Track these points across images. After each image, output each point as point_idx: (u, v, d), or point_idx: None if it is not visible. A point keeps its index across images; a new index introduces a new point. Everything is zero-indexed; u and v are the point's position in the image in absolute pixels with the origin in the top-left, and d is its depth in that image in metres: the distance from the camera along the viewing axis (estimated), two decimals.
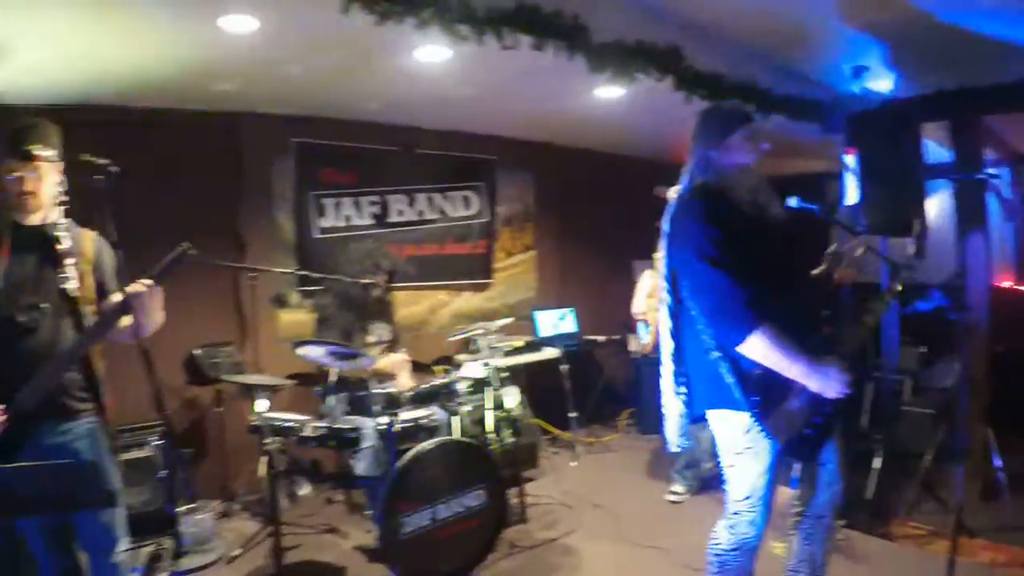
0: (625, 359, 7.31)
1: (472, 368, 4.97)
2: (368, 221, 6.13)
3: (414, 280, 6.23)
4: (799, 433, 2.67)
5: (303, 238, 5.79)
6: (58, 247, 2.68)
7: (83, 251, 2.78)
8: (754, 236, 2.68)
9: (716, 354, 2.66)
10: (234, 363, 5.12)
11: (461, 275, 6.80)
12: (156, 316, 2.72)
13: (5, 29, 3.49)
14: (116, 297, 2.83)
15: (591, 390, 7.02)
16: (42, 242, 2.68)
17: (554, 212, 7.51)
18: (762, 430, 2.63)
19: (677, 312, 2.86)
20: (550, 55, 4.12)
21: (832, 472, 2.88)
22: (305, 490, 5.01)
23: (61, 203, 2.71)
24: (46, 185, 2.67)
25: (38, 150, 2.62)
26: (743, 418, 2.66)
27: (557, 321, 6.65)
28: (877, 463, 4.63)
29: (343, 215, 5.99)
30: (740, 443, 2.70)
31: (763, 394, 2.62)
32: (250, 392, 5.00)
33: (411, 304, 6.39)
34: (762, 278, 2.58)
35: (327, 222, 5.90)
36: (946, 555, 3.46)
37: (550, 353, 6.41)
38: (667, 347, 2.91)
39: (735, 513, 2.78)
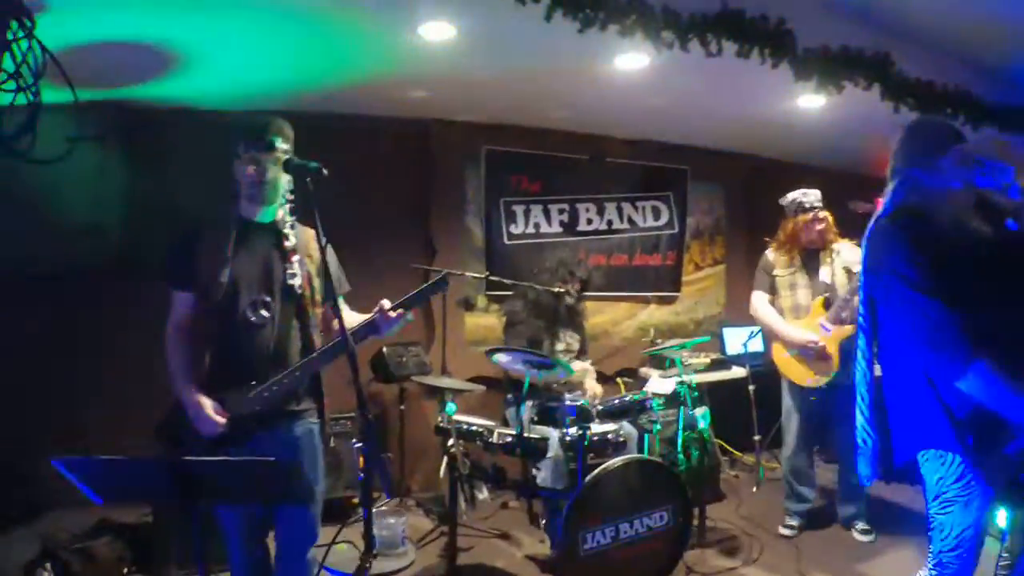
0: None
1: (661, 383, 4.84)
2: (557, 229, 6.14)
3: (601, 290, 6.21)
4: (1014, 479, 2.40)
5: (492, 244, 5.87)
6: (286, 244, 2.73)
7: (309, 251, 2.82)
8: (966, 262, 2.41)
9: (926, 392, 2.45)
10: (420, 363, 5.23)
11: (648, 287, 6.69)
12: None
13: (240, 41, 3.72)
14: (339, 303, 2.91)
15: (775, 413, 6.69)
16: (269, 239, 2.74)
17: (745, 225, 7.25)
18: (975, 476, 2.40)
19: (873, 343, 2.66)
20: (754, 62, 3.96)
21: None
22: (483, 494, 5.05)
23: (288, 201, 2.76)
24: (281, 180, 2.70)
25: (279, 143, 2.66)
26: (954, 462, 2.43)
27: (746, 339, 6.38)
28: None
29: (532, 222, 6.03)
30: (951, 490, 2.47)
31: (977, 435, 2.38)
32: (433, 393, 5.12)
33: (596, 314, 6.34)
34: (980, 307, 2.32)
35: (516, 229, 5.95)
36: None
37: (737, 372, 6.18)
38: (862, 378, 2.71)
39: (938, 564, 2.55)
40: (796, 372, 4.68)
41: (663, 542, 3.89)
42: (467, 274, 5.25)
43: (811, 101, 4.86)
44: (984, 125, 5.11)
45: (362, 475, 2.34)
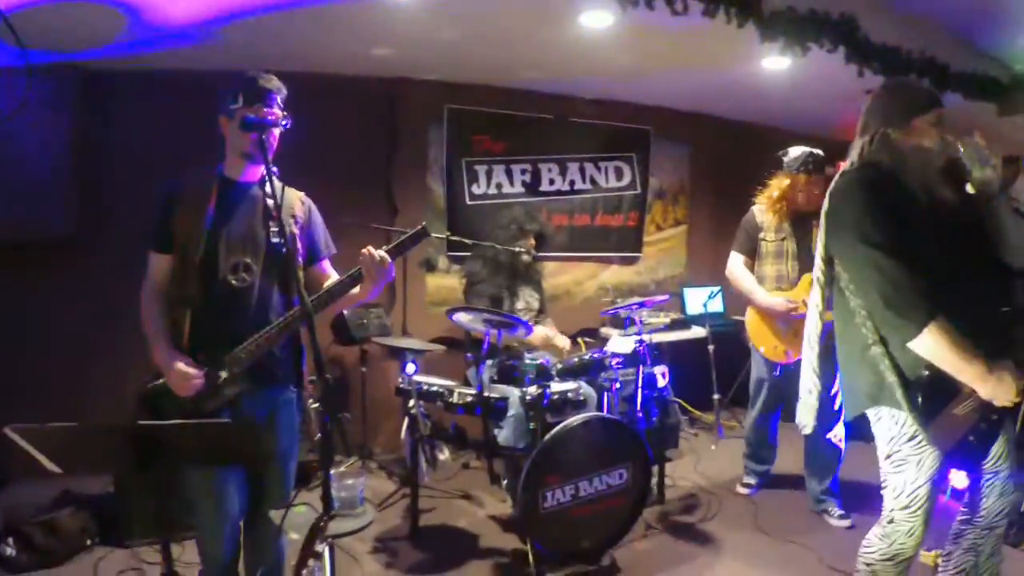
0: None
1: (621, 343, 4.86)
2: (519, 189, 6.10)
3: (564, 249, 6.22)
4: (962, 440, 2.44)
5: (454, 204, 5.83)
6: (269, 203, 2.62)
7: (294, 211, 2.74)
8: (928, 224, 2.44)
9: (878, 349, 2.47)
10: (381, 325, 5.20)
11: (610, 247, 6.70)
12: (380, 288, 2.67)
13: None
14: (325, 264, 2.86)
15: (735, 372, 6.78)
16: (252, 199, 2.66)
17: (708, 187, 7.28)
18: (924, 437, 2.44)
19: (830, 299, 2.68)
20: (720, 22, 3.93)
21: (1005, 481, 2.64)
22: (444, 455, 5.07)
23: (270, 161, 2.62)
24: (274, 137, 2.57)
25: (279, 99, 2.58)
26: (905, 421, 2.47)
27: (706, 299, 6.44)
28: None
29: (494, 182, 5.99)
30: (904, 448, 2.51)
31: (926, 395, 2.41)
32: (395, 354, 5.10)
33: (558, 274, 6.35)
34: (936, 269, 2.35)
35: (478, 189, 5.91)
36: None
37: (697, 332, 6.24)
38: (814, 329, 2.74)
39: (891, 522, 2.60)
40: (769, 345, 4.48)
41: (623, 500, 3.93)
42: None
43: (776, 63, 4.84)
44: (948, 91, 5.14)
45: (320, 434, 2.32)
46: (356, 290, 2.63)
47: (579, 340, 6.16)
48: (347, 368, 5.51)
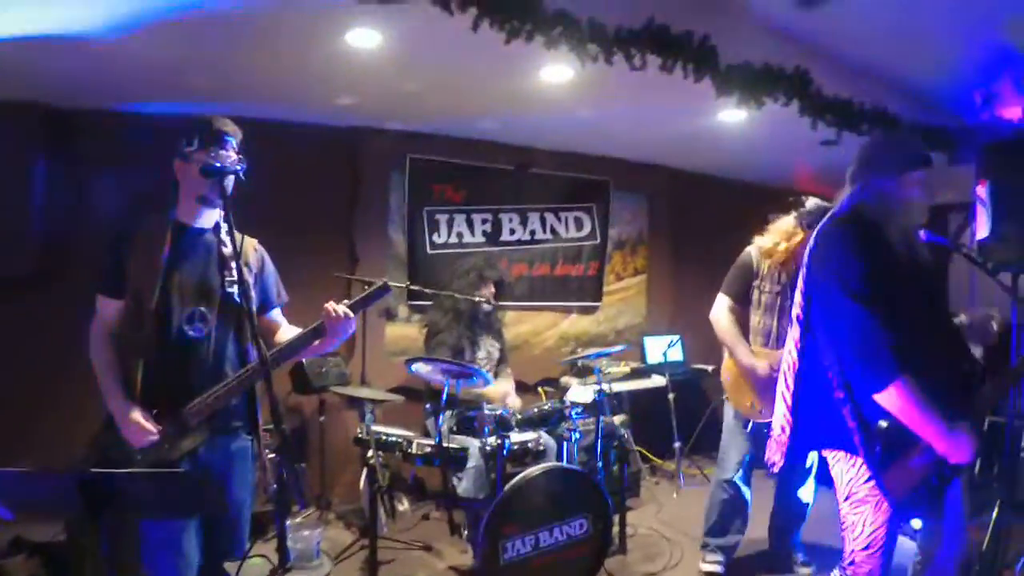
0: None
1: (581, 393, 4.87)
2: (480, 239, 6.11)
3: (523, 299, 6.24)
4: (913, 492, 2.50)
5: (415, 253, 5.82)
6: (224, 251, 2.59)
7: (248, 259, 2.69)
8: (905, 277, 2.52)
9: (841, 394, 2.51)
10: (340, 374, 5.14)
11: (571, 297, 6.71)
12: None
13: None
14: (277, 313, 2.84)
15: (696, 420, 6.81)
16: (206, 246, 2.62)
17: (667, 236, 7.35)
18: (878, 483, 2.48)
19: (804, 339, 2.69)
20: (678, 76, 4.02)
21: (956, 524, 2.76)
22: (404, 506, 5.01)
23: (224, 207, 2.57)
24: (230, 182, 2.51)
25: (234, 143, 2.55)
26: (861, 465, 2.51)
27: (666, 348, 6.48)
28: (993, 514, 4.30)
29: (455, 232, 6.00)
30: (861, 491, 2.55)
31: (885, 446, 2.45)
32: (354, 404, 5.05)
33: (518, 324, 6.35)
34: (908, 323, 2.41)
35: (439, 238, 5.91)
36: None
37: (657, 381, 6.27)
38: (790, 368, 2.75)
39: (851, 563, 2.62)
40: (743, 402, 4.08)
41: (584, 549, 3.91)
42: (390, 289, 5.21)
43: (733, 115, 4.95)
44: None
45: (275, 485, 2.28)
46: (316, 343, 2.62)
47: (540, 390, 6.17)
48: (306, 417, 5.43)
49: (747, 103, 4.45)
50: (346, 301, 2.63)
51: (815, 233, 2.68)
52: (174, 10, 3.25)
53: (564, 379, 6.20)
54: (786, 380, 2.74)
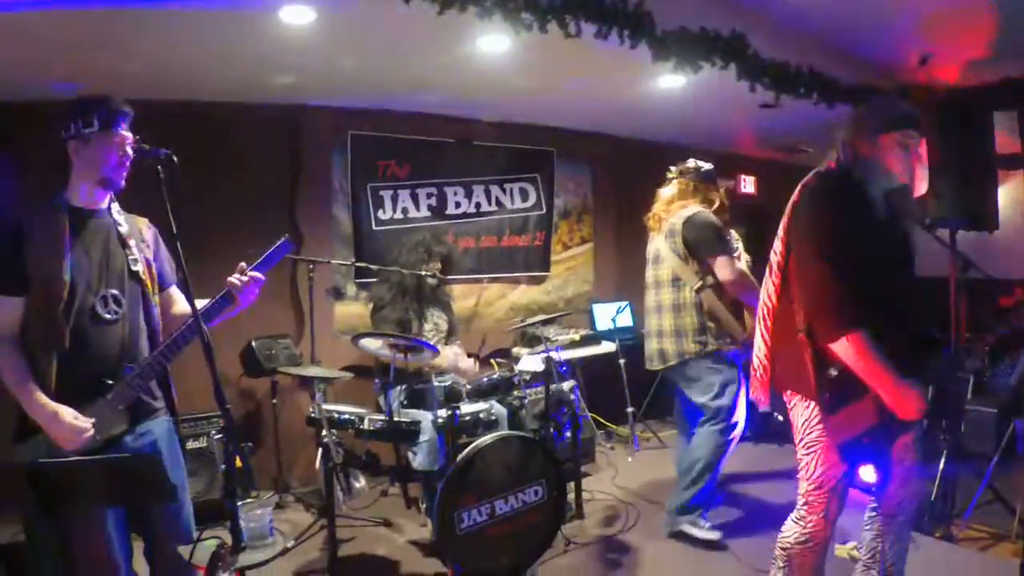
0: None
1: (531, 361, 4.91)
2: (425, 213, 6.10)
3: (472, 272, 6.24)
4: (857, 438, 2.58)
5: (360, 231, 5.78)
6: (121, 230, 2.57)
7: (143, 237, 2.67)
8: (878, 236, 2.60)
9: (804, 338, 2.59)
10: (290, 355, 5.12)
11: (518, 268, 6.74)
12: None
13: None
14: (173, 290, 2.80)
15: (647, 385, 6.91)
16: (103, 227, 2.56)
17: (611, 204, 7.41)
18: (825, 427, 2.59)
19: (782, 284, 2.75)
20: (613, 43, 4.03)
21: (907, 471, 2.80)
22: (360, 483, 4.99)
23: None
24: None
25: (127, 122, 2.49)
26: (814, 408, 2.63)
27: (614, 315, 6.55)
28: (940, 464, 4.47)
29: (400, 207, 5.97)
30: (815, 431, 2.65)
31: (833, 392, 2.55)
32: (306, 384, 5.03)
33: (467, 296, 6.37)
34: (873, 281, 2.50)
35: (384, 214, 5.88)
36: (1009, 559, 3.47)
37: (607, 347, 6.34)
38: (768, 311, 2.82)
39: (805, 504, 2.73)
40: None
41: (540, 516, 3.94)
42: (333, 261, 5.21)
43: (672, 81, 4.98)
44: (838, 103, 5.36)
45: (223, 466, 2.27)
46: (228, 308, 2.61)
47: (491, 361, 6.19)
48: (259, 400, 5.40)
49: (684, 68, 4.48)
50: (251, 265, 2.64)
51: (799, 185, 2.74)
52: None
53: (515, 349, 6.25)
54: (765, 323, 2.82)
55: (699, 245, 4.15)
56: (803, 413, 2.69)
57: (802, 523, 2.73)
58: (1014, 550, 3.93)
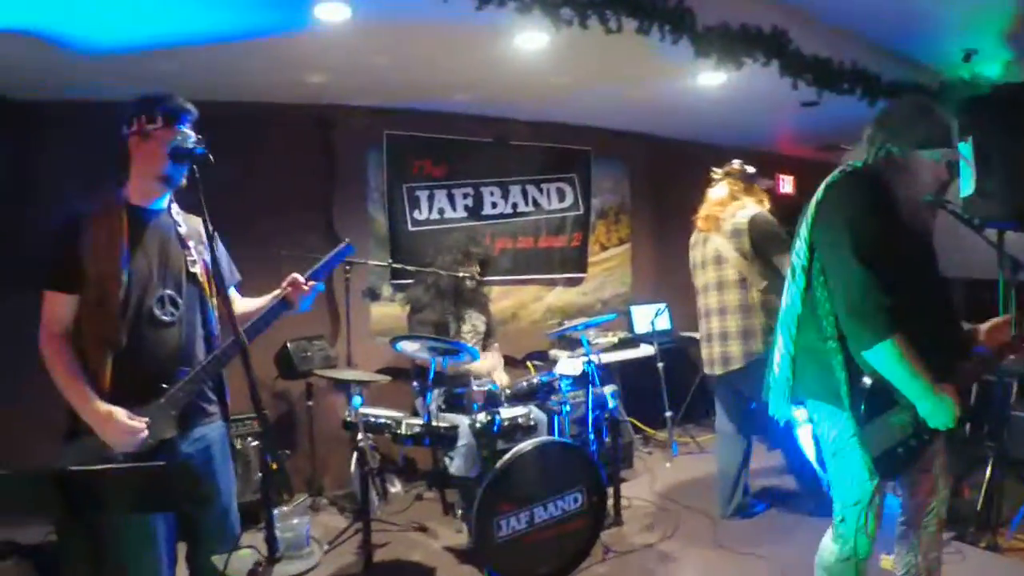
0: None
1: (570, 365, 4.82)
2: (461, 214, 6.03)
3: (508, 273, 6.18)
4: (891, 450, 2.49)
5: (396, 231, 5.73)
6: (180, 231, 2.53)
7: (201, 238, 2.60)
8: (906, 241, 2.52)
9: (833, 344, 2.51)
10: (325, 357, 5.08)
11: (555, 269, 6.65)
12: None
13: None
14: (234, 294, 2.78)
15: (686, 388, 6.80)
16: (161, 227, 2.52)
17: (649, 205, 7.30)
18: (858, 439, 2.49)
19: (809, 287, 2.65)
20: (654, 39, 3.93)
21: (934, 481, 2.71)
22: (396, 487, 4.96)
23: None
24: None
25: (191, 119, 2.45)
26: (846, 419, 2.52)
27: (653, 317, 6.44)
28: (987, 472, 4.31)
29: (436, 208, 5.91)
30: (848, 444, 2.54)
31: (869, 402, 2.47)
32: (341, 387, 4.98)
33: (504, 298, 6.30)
34: (905, 285, 2.42)
35: (420, 215, 5.83)
36: None
37: (646, 350, 6.23)
38: (793, 315, 2.72)
39: (843, 520, 2.63)
40: None
41: (579, 523, 3.89)
42: (369, 262, 5.18)
43: (711, 79, 4.88)
44: (880, 100, 5.22)
45: (260, 473, 2.22)
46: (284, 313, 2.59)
47: (528, 364, 6.12)
48: (293, 402, 5.36)
49: (726, 64, 4.37)
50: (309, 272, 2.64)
51: (824, 184, 2.64)
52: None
53: (552, 352, 6.17)
54: (788, 330, 2.73)
55: (766, 244, 4.18)
56: (835, 424, 2.59)
57: (841, 540, 2.64)
58: None
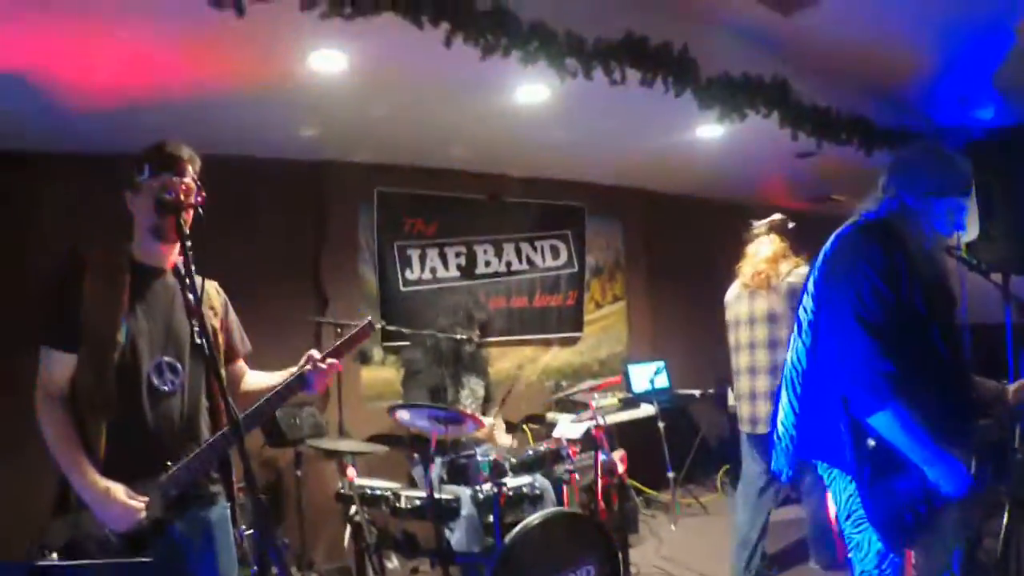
0: (720, 414, 6.91)
1: (571, 428, 4.62)
2: (454, 273, 5.88)
3: (503, 333, 5.99)
4: (898, 516, 2.38)
5: (387, 291, 5.56)
6: (189, 295, 2.26)
7: (212, 303, 2.43)
8: (920, 297, 2.41)
9: (838, 405, 2.40)
10: (315, 424, 4.83)
11: (551, 328, 6.49)
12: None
13: None
14: (242, 364, 2.60)
15: (686, 448, 6.60)
16: (169, 289, 2.33)
17: (643, 260, 7.22)
18: (863, 505, 2.40)
19: (814, 346, 2.54)
20: (657, 91, 3.84)
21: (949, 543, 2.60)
22: (393, 563, 4.68)
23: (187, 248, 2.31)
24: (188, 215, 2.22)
25: (192, 171, 2.27)
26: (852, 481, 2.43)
27: (652, 375, 6.27)
28: (1004, 520, 4.16)
29: (428, 267, 5.75)
30: (859, 510, 2.44)
31: (873, 467, 2.37)
32: (331, 455, 4.73)
33: (498, 360, 6.08)
34: (914, 348, 2.34)
35: (412, 274, 5.66)
36: None
37: (647, 410, 6.04)
38: (797, 374, 2.60)
39: None
40: None
41: None
42: (375, 328, 4.96)
43: (710, 131, 4.83)
44: (877, 149, 5.17)
45: (255, 568, 2.00)
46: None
47: (525, 427, 5.90)
48: (281, 472, 5.10)
49: (729, 116, 4.30)
50: (329, 349, 2.42)
51: (834, 236, 2.55)
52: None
53: (550, 415, 5.96)
54: (793, 387, 2.61)
55: None
56: (847, 487, 2.48)
57: None
58: None
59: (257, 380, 2.58)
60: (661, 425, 5.88)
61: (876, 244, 2.43)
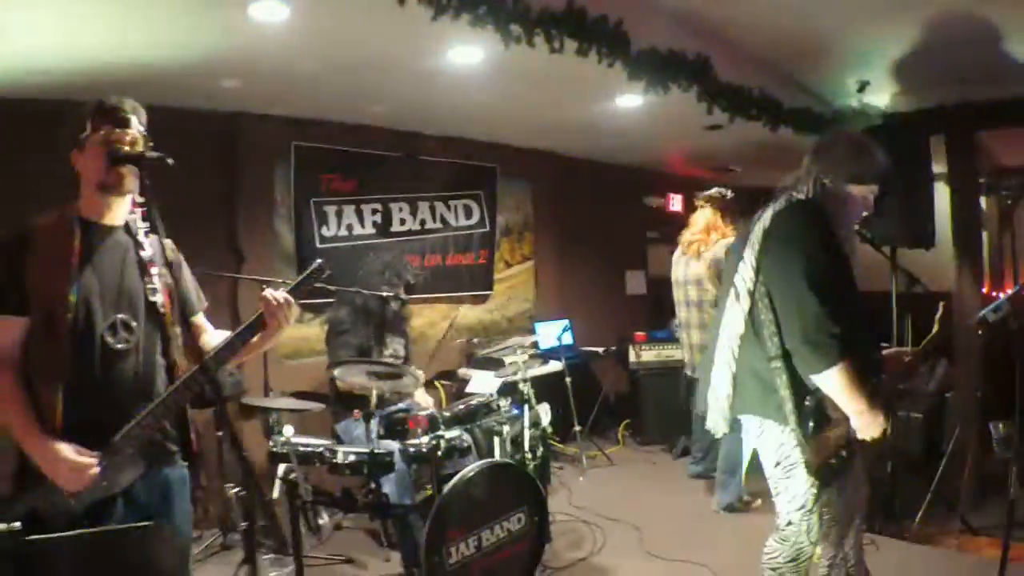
0: (621, 371, 7.22)
1: (485, 383, 4.79)
2: (370, 230, 5.86)
3: (418, 292, 6.01)
4: (826, 461, 2.64)
5: (304, 248, 5.49)
6: (142, 253, 2.25)
7: (166, 258, 2.34)
8: (843, 267, 2.69)
9: (777, 364, 2.61)
10: (236, 383, 4.75)
11: (463, 287, 6.60)
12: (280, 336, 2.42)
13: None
14: (200, 319, 2.54)
15: (591, 403, 6.87)
16: (120, 246, 2.26)
17: (551, 222, 7.38)
18: (798, 448, 2.61)
19: (752, 310, 2.72)
20: (591, 61, 3.94)
21: (859, 476, 2.88)
22: (325, 519, 4.70)
23: (137, 203, 2.28)
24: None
25: (138, 121, 2.22)
26: (790, 432, 2.62)
27: (559, 333, 6.46)
28: (888, 467, 4.65)
29: (345, 224, 5.72)
30: (792, 455, 2.66)
31: (811, 418, 2.60)
32: (250, 413, 4.70)
33: (414, 317, 6.13)
34: (846, 311, 2.54)
35: (328, 231, 5.62)
36: (955, 552, 4.03)
37: (555, 366, 6.23)
38: (736, 337, 2.77)
39: (789, 524, 2.75)
40: None
41: (523, 543, 3.82)
42: (286, 281, 4.88)
43: (630, 101, 4.97)
44: (781, 127, 5.44)
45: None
46: (254, 339, 2.34)
47: (437, 383, 6.00)
48: (200, 433, 5.01)
49: (654, 88, 4.43)
50: (282, 288, 2.40)
51: (772, 211, 2.74)
52: None
53: (462, 371, 6.08)
54: (732, 349, 2.78)
55: None
56: (777, 437, 2.69)
57: (787, 543, 2.76)
58: (959, 543, 4.28)
59: (216, 338, 2.53)
60: (568, 381, 6.10)
61: (814, 219, 2.67)
